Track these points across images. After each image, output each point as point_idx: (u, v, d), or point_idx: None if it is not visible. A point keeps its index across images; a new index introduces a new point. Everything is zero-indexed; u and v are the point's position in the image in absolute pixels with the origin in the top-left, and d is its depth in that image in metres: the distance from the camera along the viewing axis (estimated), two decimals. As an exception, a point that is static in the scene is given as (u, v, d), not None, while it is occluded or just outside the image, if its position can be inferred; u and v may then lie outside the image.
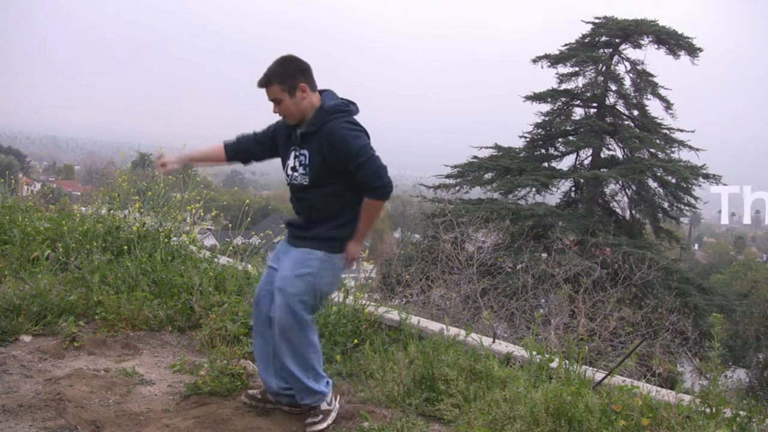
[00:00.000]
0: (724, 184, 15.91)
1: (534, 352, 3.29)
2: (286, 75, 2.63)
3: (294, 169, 2.72)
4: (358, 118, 2.74)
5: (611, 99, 17.51)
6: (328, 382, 2.85)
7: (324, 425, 2.76)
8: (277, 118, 2.78)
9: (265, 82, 2.65)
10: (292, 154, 2.74)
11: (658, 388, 3.14)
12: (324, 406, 2.81)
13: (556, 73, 17.41)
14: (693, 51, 16.72)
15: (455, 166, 17.23)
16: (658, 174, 16.19)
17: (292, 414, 2.87)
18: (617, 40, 17.29)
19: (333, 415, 2.82)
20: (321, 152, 2.64)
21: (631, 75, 17.37)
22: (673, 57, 16.95)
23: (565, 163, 17.48)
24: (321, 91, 2.74)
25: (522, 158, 17.17)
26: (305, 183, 2.69)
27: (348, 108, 2.73)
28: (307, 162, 2.68)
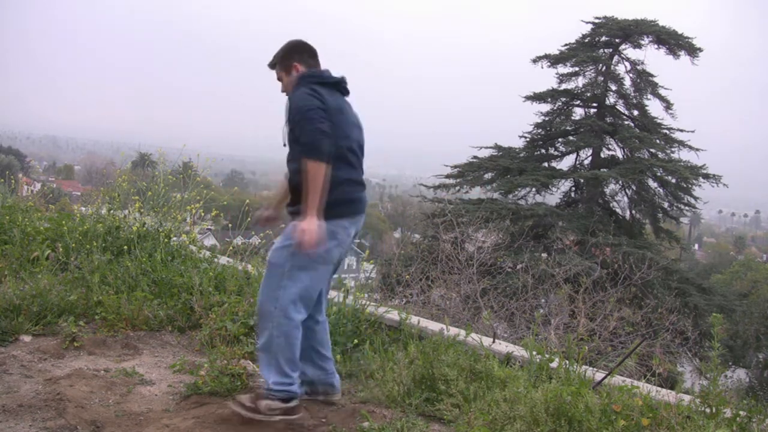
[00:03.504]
0: (725, 185, 15.94)
1: (534, 352, 3.29)
2: (284, 56, 2.89)
3: (284, 144, 2.84)
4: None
5: (611, 99, 17.52)
6: (283, 388, 2.65)
7: (239, 410, 2.64)
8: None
9: (271, 64, 2.94)
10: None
11: (658, 388, 3.14)
12: (262, 405, 2.64)
13: (556, 73, 17.44)
14: (693, 51, 16.72)
15: (455, 166, 17.23)
16: (658, 174, 16.19)
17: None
18: (617, 40, 17.29)
19: (256, 417, 2.63)
20: (288, 119, 2.75)
21: (631, 75, 17.39)
22: (673, 57, 16.96)
23: (565, 163, 17.50)
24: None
25: (522, 158, 17.17)
26: (284, 147, 2.81)
27: (311, 77, 2.78)
28: (285, 129, 2.79)
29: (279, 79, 2.92)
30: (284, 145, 2.80)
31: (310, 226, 2.54)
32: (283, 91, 2.91)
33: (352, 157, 2.79)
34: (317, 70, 2.86)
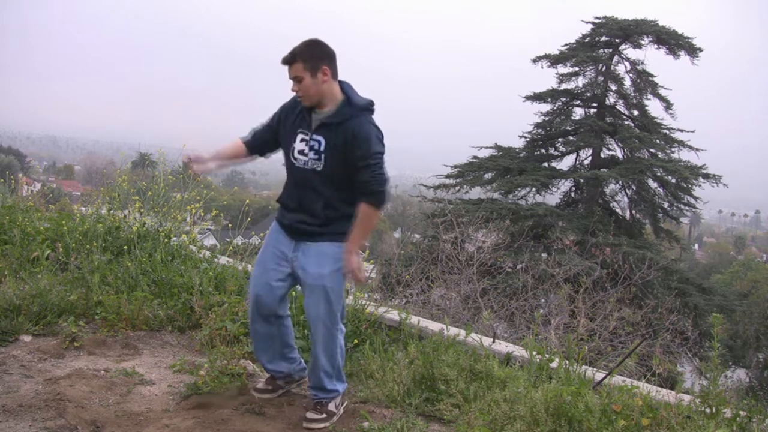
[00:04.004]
0: (725, 185, 15.95)
1: (534, 352, 3.29)
2: (312, 55, 2.65)
3: (302, 153, 2.70)
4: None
5: (611, 99, 17.52)
6: (345, 385, 2.93)
7: (323, 425, 2.76)
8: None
9: (290, 59, 2.65)
10: (299, 138, 2.71)
11: (658, 388, 3.14)
12: (332, 406, 2.82)
13: (556, 73, 17.45)
14: (693, 51, 16.72)
15: (455, 166, 17.23)
16: (658, 174, 16.20)
17: (292, 416, 2.87)
18: (617, 40, 17.30)
19: (335, 419, 2.82)
20: (339, 143, 2.64)
21: (631, 75, 17.39)
22: (673, 57, 16.96)
23: (565, 163, 17.51)
24: (340, 83, 2.73)
25: (522, 158, 17.17)
26: (318, 168, 2.68)
27: (373, 108, 2.75)
28: (321, 149, 2.67)
29: (297, 78, 2.64)
30: (318, 167, 2.68)
31: (361, 261, 2.77)
32: (298, 92, 2.68)
33: None
34: (370, 100, 2.76)
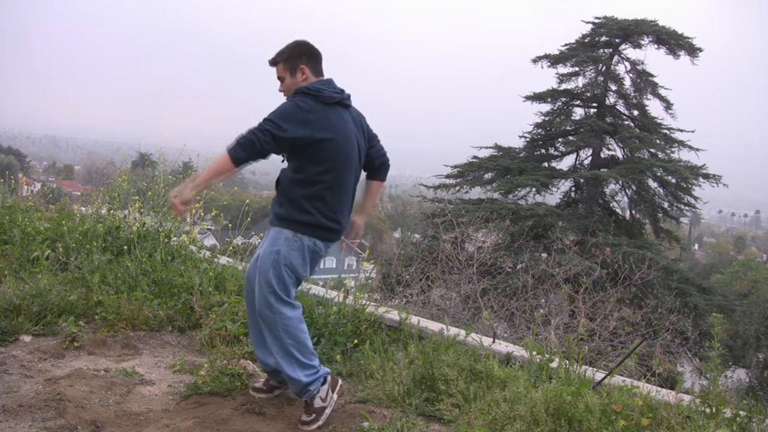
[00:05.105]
0: (725, 185, 15.95)
1: (534, 352, 3.29)
2: (291, 56, 2.78)
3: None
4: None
5: (611, 99, 17.52)
6: (316, 373, 2.78)
7: (315, 426, 2.73)
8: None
9: (273, 61, 2.81)
10: None
11: (658, 388, 3.14)
12: (317, 402, 2.77)
13: (556, 73, 17.45)
14: (693, 51, 16.72)
15: (455, 166, 17.23)
16: (658, 174, 16.19)
17: (292, 416, 2.87)
18: (617, 40, 17.30)
19: (327, 411, 2.78)
20: None
21: (631, 75, 17.39)
22: (673, 57, 16.96)
23: (565, 163, 17.52)
24: (316, 81, 2.79)
25: (522, 158, 17.17)
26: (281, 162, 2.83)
27: (313, 91, 2.72)
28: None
29: (280, 78, 2.82)
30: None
31: (186, 193, 2.67)
32: (281, 91, 2.84)
33: None
34: (331, 89, 2.77)
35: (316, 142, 2.66)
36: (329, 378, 2.84)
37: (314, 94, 2.71)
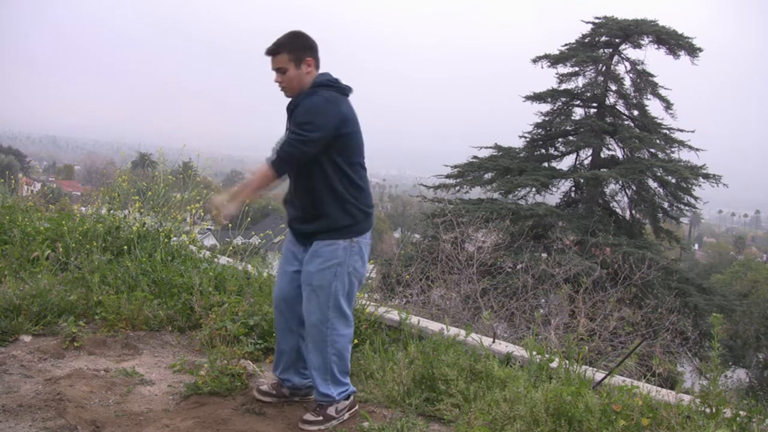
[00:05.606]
0: (725, 185, 15.95)
1: (534, 352, 3.29)
2: (297, 46, 2.67)
3: None
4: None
5: (611, 99, 17.52)
6: (346, 390, 2.82)
7: (316, 428, 2.73)
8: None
9: (274, 50, 2.66)
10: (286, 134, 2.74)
11: (658, 388, 3.14)
12: (331, 410, 2.77)
13: (556, 73, 17.45)
14: (693, 51, 16.72)
15: (455, 166, 17.24)
16: (658, 174, 16.20)
17: (292, 416, 2.87)
18: (617, 40, 17.30)
19: (333, 423, 2.76)
20: (293, 125, 2.64)
21: (631, 75, 17.40)
22: (673, 57, 16.96)
23: (565, 163, 17.52)
24: (321, 74, 2.75)
25: (522, 158, 17.17)
26: None
27: (335, 83, 2.70)
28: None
29: (280, 69, 2.66)
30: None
31: (228, 203, 2.74)
32: (281, 83, 2.69)
33: None
34: (331, 77, 2.73)
35: (352, 134, 2.67)
36: (353, 398, 2.88)
37: (336, 86, 2.70)
